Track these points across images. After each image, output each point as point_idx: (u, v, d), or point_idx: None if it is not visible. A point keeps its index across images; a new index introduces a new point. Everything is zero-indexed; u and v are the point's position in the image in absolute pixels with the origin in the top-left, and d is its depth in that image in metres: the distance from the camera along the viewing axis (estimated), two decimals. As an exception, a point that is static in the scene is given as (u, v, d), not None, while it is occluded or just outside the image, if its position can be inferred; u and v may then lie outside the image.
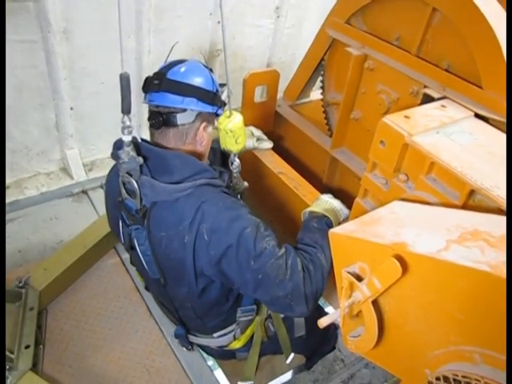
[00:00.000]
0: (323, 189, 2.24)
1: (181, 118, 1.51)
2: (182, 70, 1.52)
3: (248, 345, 1.91)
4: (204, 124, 1.57)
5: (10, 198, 2.77)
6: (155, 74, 1.54)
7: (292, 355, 2.06)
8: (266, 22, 3.60)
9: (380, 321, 1.16)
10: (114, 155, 1.55)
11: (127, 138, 1.38)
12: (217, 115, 1.62)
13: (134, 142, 1.44)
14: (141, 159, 1.44)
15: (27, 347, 1.86)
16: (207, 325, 1.81)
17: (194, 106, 1.51)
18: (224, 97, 1.61)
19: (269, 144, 2.32)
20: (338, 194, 1.97)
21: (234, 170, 1.79)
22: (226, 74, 1.57)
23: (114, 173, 1.67)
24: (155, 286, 1.79)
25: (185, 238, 1.46)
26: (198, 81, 1.52)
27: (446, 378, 1.02)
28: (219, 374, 2.06)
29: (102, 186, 3.04)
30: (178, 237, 1.47)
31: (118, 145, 1.50)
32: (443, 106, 1.57)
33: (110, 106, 3.01)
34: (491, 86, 1.54)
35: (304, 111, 2.62)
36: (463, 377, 0.98)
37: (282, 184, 2.19)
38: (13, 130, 2.68)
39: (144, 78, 1.56)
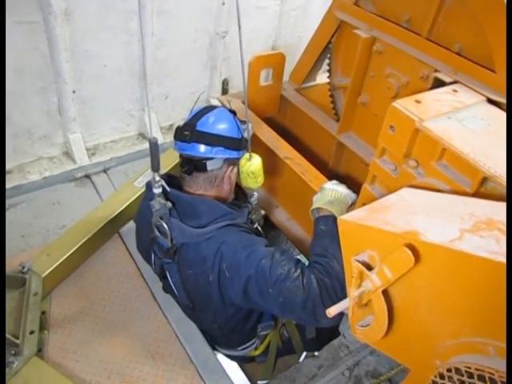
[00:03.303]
0: (329, 174, 2.20)
1: (210, 165, 1.68)
2: (211, 120, 1.67)
3: (266, 351, 2.08)
4: (231, 168, 1.76)
5: (12, 182, 2.74)
6: (185, 124, 1.68)
7: (304, 354, 2.20)
8: (271, 3, 3.51)
9: (390, 310, 1.13)
10: (147, 197, 1.75)
11: (158, 191, 1.59)
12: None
13: (163, 189, 1.62)
14: (170, 204, 1.64)
15: (32, 332, 1.85)
16: (232, 341, 2.02)
17: (222, 154, 1.68)
18: (245, 135, 1.74)
19: None
20: (345, 179, 1.95)
21: (254, 202, 1.93)
22: (245, 111, 1.70)
23: (145, 204, 1.79)
24: (185, 309, 2.02)
25: (210, 277, 1.63)
26: (225, 130, 1.68)
27: (457, 370, 1.01)
28: (223, 359, 2.08)
29: (105, 171, 3.02)
30: (204, 275, 1.65)
31: (149, 186, 1.68)
32: (455, 91, 1.53)
33: (113, 89, 2.97)
34: (505, 70, 1.50)
35: (310, 95, 2.59)
36: (476, 369, 0.96)
37: (288, 169, 2.16)
38: (14, 113, 2.64)
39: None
